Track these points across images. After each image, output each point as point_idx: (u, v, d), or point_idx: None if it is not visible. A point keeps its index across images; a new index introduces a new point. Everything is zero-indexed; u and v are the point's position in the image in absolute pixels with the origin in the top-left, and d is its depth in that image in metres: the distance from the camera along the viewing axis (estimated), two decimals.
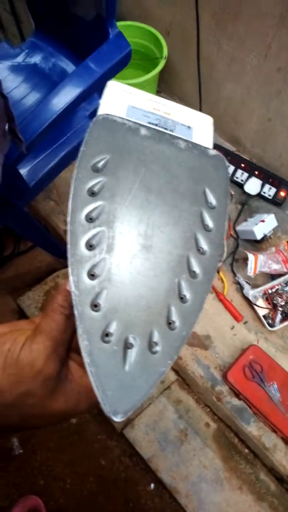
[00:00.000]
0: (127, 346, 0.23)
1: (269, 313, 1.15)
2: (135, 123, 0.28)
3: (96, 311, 0.23)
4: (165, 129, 0.29)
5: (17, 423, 0.27)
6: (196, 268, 0.25)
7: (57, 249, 1.20)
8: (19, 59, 1.11)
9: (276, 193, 1.28)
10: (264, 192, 1.29)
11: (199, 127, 0.30)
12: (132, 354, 0.23)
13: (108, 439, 1.12)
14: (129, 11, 1.37)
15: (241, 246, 1.24)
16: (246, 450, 1.08)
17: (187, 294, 0.24)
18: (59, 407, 0.27)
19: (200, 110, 1.33)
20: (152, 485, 1.07)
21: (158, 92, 1.48)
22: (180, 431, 1.08)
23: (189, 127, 0.30)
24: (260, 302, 1.15)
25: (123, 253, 0.24)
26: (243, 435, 1.06)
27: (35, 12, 1.08)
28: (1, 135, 0.64)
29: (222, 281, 1.20)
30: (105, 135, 0.27)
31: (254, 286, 1.17)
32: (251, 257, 1.15)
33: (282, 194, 1.28)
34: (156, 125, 0.29)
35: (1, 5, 1.45)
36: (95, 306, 0.23)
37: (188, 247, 0.25)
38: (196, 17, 1.14)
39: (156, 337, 0.23)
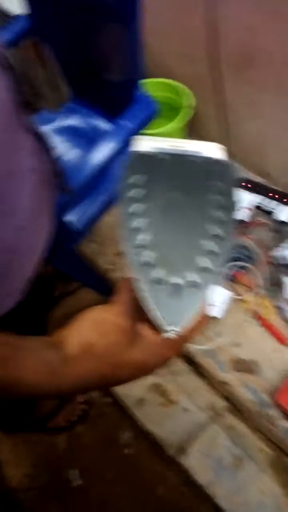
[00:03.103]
0: (173, 284, 0.33)
1: None
2: (157, 152, 0.40)
3: (146, 266, 0.34)
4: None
5: (109, 373, 0.36)
6: (218, 232, 0.35)
7: (103, 287, 1.29)
8: (59, 122, 1.27)
9: None
10: None
11: (209, 151, 0.40)
12: (178, 288, 0.33)
13: (163, 469, 1.15)
14: (153, 70, 1.53)
15: (278, 272, 1.28)
16: None
17: (214, 249, 0.34)
18: (137, 356, 0.36)
19: (229, 149, 1.43)
20: None
21: (186, 137, 1.61)
22: (235, 457, 1.09)
23: (201, 152, 0.40)
24: None
25: (160, 229, 0.35)
26: None
27: (70, 81, 1.24)
28: (52, 189, 0.76)
29: (264, 306, 1.24)
30: (137, 163, 0.39)
31: None
32: (286, 280, 1.19)
33: None
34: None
35: (39, 78, 1.66)
36: (145, 264, 0.33)
37: (211, 220, 0.35)
38: (214, 68, 1.27)
39: (194, 277, 0.33)
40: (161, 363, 0.38)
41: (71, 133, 1.24)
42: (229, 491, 1.05)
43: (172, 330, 0.32)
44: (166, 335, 0.32)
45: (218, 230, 0.35)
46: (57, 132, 1.25)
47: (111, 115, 1.19)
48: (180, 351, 0.41)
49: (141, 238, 0.34)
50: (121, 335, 0.35)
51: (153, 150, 0.40)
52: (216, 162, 0.39)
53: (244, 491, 1.05)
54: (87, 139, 1.22)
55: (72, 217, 0.97)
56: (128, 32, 0.82)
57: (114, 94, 1.07)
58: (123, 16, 0.80)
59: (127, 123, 0.92)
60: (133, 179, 0.37)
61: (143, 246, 0.34)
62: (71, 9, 0.92)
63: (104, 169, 0.90)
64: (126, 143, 0.91)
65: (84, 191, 0.88)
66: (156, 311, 0.32)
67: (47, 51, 1.14)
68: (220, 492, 1.05)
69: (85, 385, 0.36)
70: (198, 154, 0.39)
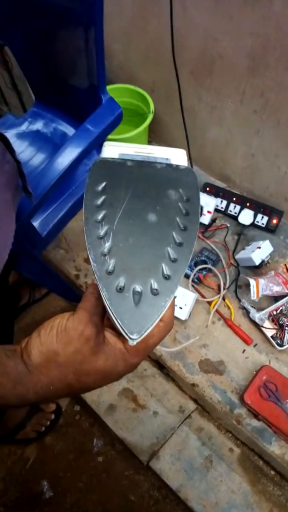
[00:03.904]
0: (135, 292, 0.33)
1: (276, 333, 1.20)
2: (123, 159, 0.40)
3: (110, 274, 0.33)
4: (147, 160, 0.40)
5: (74, 381, 0.35)
6: (180, 239, 0.35)
7: (70, 293, 1.27)
8: (23, 127, 1.25)
9: (269, 221, 1.37)
10: (257, 221, 1.38)
11: (175, 157, 0.41)
12: (140, 296, 0.33)
13: (136, 474, 1.14)
14: (117, 76, 1.54)
15: (242, 273, 1.31)
16: (272, 472, 1.09)
17: (175, 256, 0.35)
18: (102, 364, 0.36)
19: (189, 154, 1.46)
20: None
21: (149, 142, 1.62)
22: (205, 458, 1.10)
23: (167, 158, 0.40)
24: (267, 324, 1.21)
25: (123, 237, 0.35)
26: (267, 456, 1.08)
27: (34, 86, 1.23)
28: (15, 189, 0.74)
29: (229, 307, 1.26)
30: (102, 170, 0.38)
31: (259, 309, 1.23)
32: (252, 282, 1.22)
33: (274, 221, 1.37)
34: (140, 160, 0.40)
35: (3, 83, 1.64)
36: (109, 273, 0.33)
37: (173, 226, 0.36)
38: (176, 75, 1.29)
39: (155, 285, 0.33)
40: (127, 369, 0.38)
41: (36, 138, 1.23)
42: (201, 493, 1.05)
43: (135, 338, 0.32)
44: (130, 342, 0.32)
45: (180, 238, 0.35)
46: (22, 137, 1.23)
47: (76, 119, 1.19)
48: (145, 357, 0.41)
49: (105, 246, 0.34)
50: (84, 343, 0.35)
51: (118, 157, 0.40)
52: (180, 169, 0.39)
53: (215, 492, 1.06)
54: (52, 143, 1.21)
55: (35, 223, 0.95)
56: (91, 37, 0.82)
57: (78, 99, 1.07)
58: (85, 21, 0.81)
59: (92, 128, 0.92)
60: (98, 186, 0.37)
61: (107, 255, 0.34)
62: (32, 14, 0.91)
63: (69, 174, 0.89)
64: (90, 148, 0.91)
65: (48, 197, 0.87)
66: (118, 320, 0.32)
67: (10, 55, 1.12)
68: (192, 495, 1.05)
69: (51, 393, 0.36)
70: (163, 161, 0.40)
